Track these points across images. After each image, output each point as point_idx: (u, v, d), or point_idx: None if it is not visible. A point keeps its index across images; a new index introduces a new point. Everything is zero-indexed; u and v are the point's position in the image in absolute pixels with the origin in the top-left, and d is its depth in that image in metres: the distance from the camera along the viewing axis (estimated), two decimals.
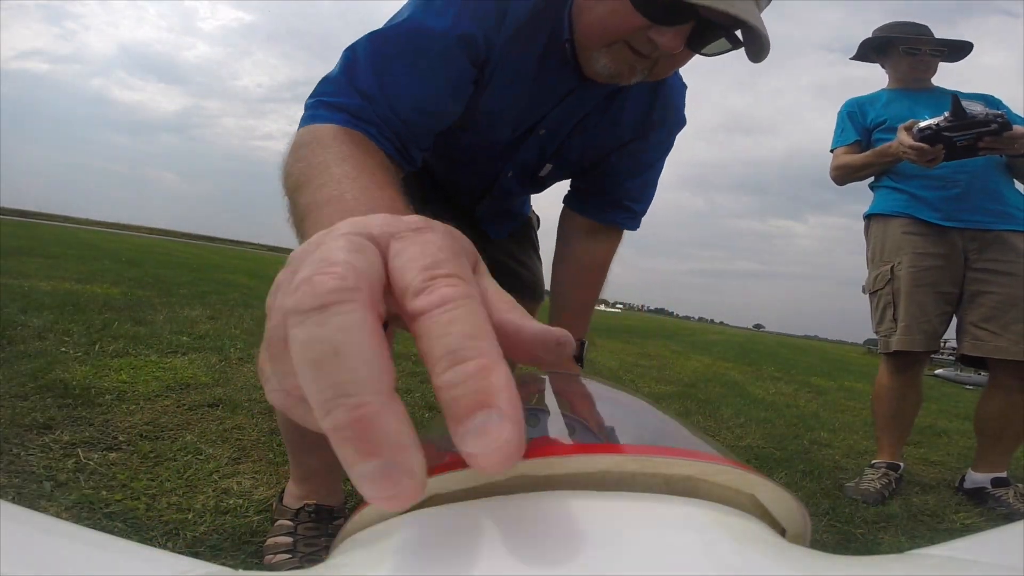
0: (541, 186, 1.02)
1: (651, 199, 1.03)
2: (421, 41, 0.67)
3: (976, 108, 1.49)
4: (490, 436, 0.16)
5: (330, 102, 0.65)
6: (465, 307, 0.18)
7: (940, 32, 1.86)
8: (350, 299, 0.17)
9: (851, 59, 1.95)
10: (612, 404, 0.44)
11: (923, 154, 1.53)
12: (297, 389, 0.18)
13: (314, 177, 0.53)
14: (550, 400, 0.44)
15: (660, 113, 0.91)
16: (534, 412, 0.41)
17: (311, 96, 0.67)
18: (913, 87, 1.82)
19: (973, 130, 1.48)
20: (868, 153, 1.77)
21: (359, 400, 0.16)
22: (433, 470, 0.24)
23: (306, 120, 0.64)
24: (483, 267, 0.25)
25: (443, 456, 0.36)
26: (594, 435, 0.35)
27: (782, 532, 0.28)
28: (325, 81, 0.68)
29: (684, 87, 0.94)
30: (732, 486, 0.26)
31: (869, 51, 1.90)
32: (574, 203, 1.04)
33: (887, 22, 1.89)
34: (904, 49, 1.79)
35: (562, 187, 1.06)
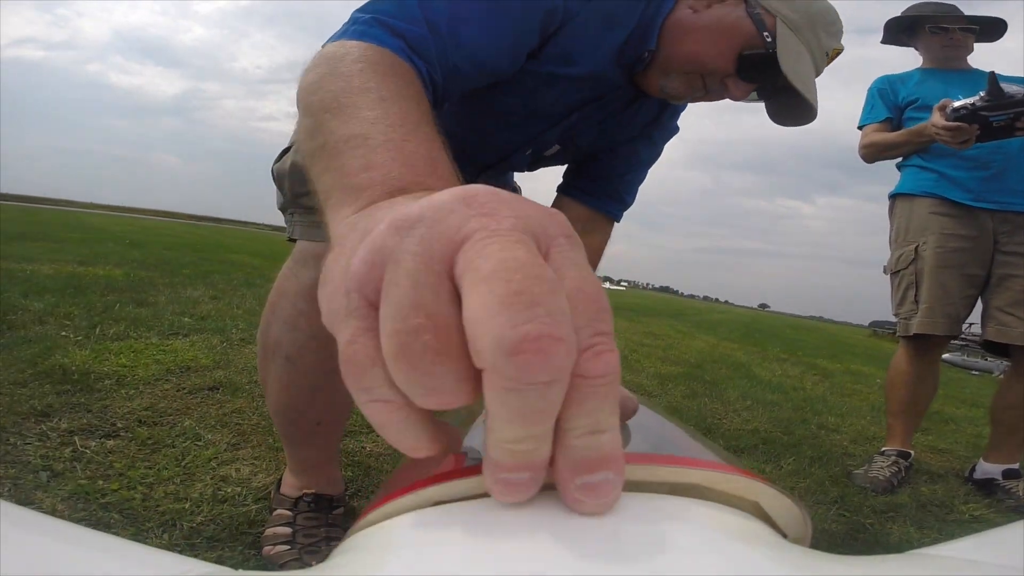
0: (536, 163, 1.02)
1: (635, 196, 1.07)
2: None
3: (1014, 88, 1.43)
4: (604, 493, 0.19)
5: (390, 23, 0.56)
6: (615, 382, 0.19)
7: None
8: (566, 375, 0.18)
9: (882, 42, 1.88)
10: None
11: (957, 134, 1.47)
12: (413, 403, 0.19)
13: (361, 105, 0.43)
14: None
15: (667, 119, 1.00)
16: None
17: (363, 10, 0.58)
18: (947, 67, 1.74)
19: (1011, 110, 1.41)
20: (902, 132, 1.71)
21: (547, 449, 0.19)
22: (445, 476, 0.25)
23: (354, 34, 0.55)
24: None
25: (445, 460, 0.35)
26: None
27: (783, 537, 0.28)
28: None
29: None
30: (736, 494, 0.26)
31: (897, 33, 1.82)
32: (571, 190, 1.03)
33: (915, 2, 1.81)
34: (931, 28, 1.72)
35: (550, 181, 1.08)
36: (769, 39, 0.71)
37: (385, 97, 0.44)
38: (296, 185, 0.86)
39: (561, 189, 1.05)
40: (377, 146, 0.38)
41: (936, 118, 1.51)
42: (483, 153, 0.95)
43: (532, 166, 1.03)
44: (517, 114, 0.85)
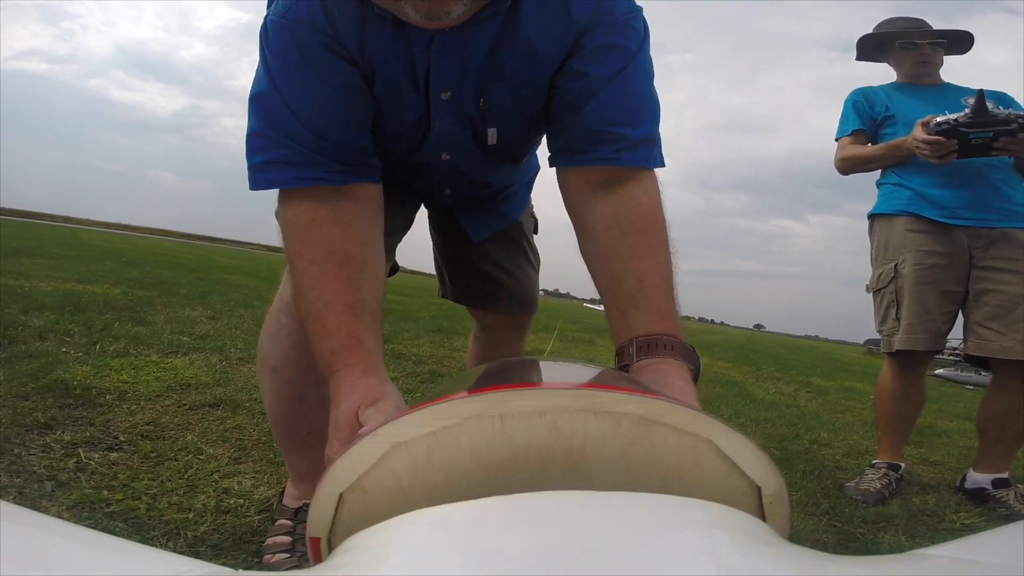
0: (506, 155, 0.89)
1: (649, 119, 0.74)
2: (301, 66, 0.68)
3: (998, 108, 1.47)
4: None
5: (271, 159, 0.69)
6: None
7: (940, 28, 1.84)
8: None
9: (856, 60, 1.94)
10: (596, 372, 0.45)
11: (937, 148, 1.51)
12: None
13: (316, 325, 0.66)
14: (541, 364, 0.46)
15: (584, 18, 0.70)
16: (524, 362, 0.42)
17: (250, 154, 0.71)
18: (920, 82, 1.80)
19: (992, 128, 1.45)
20: (880, 146, 1.75)
21: None
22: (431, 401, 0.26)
23: (262, 182, 0.71)
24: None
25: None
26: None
27: (758, 489, 0.29)
28: (252, 137, 0.71)
29: None
30: (686, 428, 0.26)
31: (869, 50, 1.88)
32: (558, 158, 0.77)
33: (884, 19, 1.88)
34: (901, 44, 1.78)
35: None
36: None
37: (322, 314, 0.65)
38: None
39: (550, 163, 0.80)
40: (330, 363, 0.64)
41: (918, 131, 1.55)
42: (417, 176, 0.90)
43: (501, 157, 0.88)
44: (406, 134, 0.79)
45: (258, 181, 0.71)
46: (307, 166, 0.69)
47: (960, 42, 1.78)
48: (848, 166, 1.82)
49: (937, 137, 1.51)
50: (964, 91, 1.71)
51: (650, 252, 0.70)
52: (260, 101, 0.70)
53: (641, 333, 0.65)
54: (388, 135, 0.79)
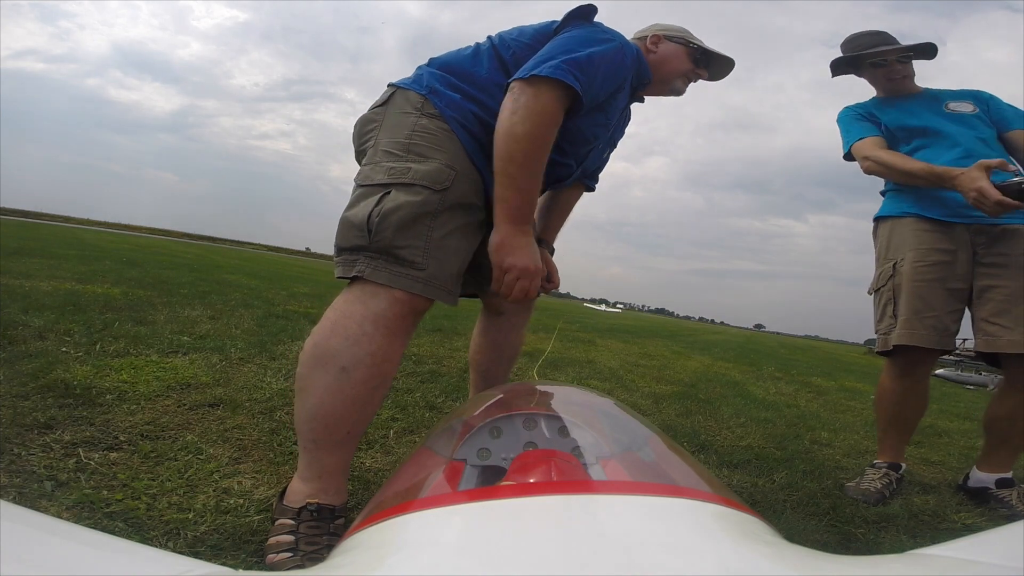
0: (580, 173, 1.37)
1: None
2: (615, 73, 1.14)
3: None
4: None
5: (563, 67, 1.02)
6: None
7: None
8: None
9: (832, 77, 1.92)
10: (606, 421, 0.44)
11: (1005, 208, 1.44)
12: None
13: (517, 174, 1.02)
14: (551, 406, 0.45)
15: (628, 115, 1.44)
16: (533, 417, 0.41)
17: (566, 60, 1.03)
18: (899, 94, 1.79)
19: None
20: (922, 167, 1.61)
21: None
22: (439, 499, 0.26)
23: (549, 70, 1.01)
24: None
25: (442, 464, 0.36)
26: (581, 457, 0.35)
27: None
28: (580, 56, 1.05)
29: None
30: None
31: (842, 67, 1.86)
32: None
33: (848, 35, 1.84)
34: (871, 63, 1.77)
35: None
36: (692, 44, 1.34)
37: (527, 164, 1.02)
38: (398, 238, 0.97)
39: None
40: (517, 203, 1.03)
41: (986, 186, 1.45)
42: (577, 150, 1.28)
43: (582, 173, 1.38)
44: (604, 125, 1.25)
45: (559, 69, 1.01)
46: (578, 83, 1.03)
47: (925, 52, 1.76)
48: (875, 168, 1.72)
49: (1009, 201, 1.42)
50: (943, 95, 1.72)
51: (560, 217, 1.50)
52: (596, 56, 1.07)
53: (549, 238, 1.49)
54: (581, 136, 1.22)
